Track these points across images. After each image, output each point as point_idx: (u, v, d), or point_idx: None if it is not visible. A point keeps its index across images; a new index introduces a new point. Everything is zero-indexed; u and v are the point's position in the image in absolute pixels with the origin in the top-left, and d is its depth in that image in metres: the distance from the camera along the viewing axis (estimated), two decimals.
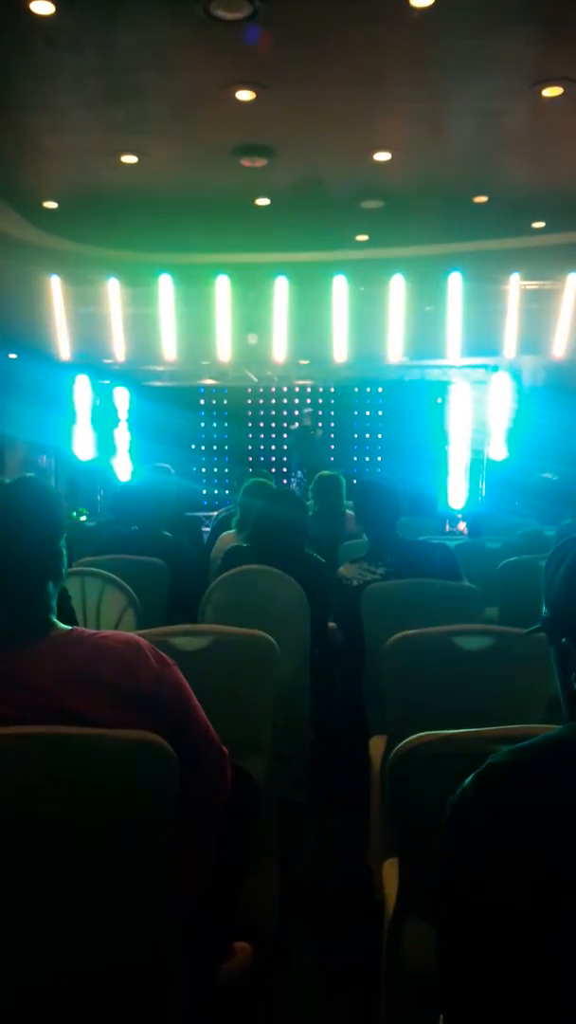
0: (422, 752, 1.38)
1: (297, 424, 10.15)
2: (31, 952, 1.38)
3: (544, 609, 1.12)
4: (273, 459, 10.74)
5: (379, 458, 10.79)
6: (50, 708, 1.39)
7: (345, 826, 2.98)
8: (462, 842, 0.90)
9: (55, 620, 1.52)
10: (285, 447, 10.57)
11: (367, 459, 10.81)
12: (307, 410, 10.40)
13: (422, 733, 1.40)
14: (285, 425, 10.67)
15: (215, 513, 7.05)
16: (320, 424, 10.45)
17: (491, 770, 0.93)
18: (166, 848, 1.39)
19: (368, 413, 10.84)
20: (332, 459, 10.35)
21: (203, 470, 10.82)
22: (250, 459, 10.60)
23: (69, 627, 1.52)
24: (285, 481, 9.74)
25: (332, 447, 10.90)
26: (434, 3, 3.63)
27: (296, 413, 10.61)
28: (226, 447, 10.91)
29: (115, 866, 1.38)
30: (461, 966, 0.91)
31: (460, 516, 8.67)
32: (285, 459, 10.52)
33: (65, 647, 1.47)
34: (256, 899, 2.16)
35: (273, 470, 9.82)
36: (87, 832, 1.35)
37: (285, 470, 10.34)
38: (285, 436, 10.55)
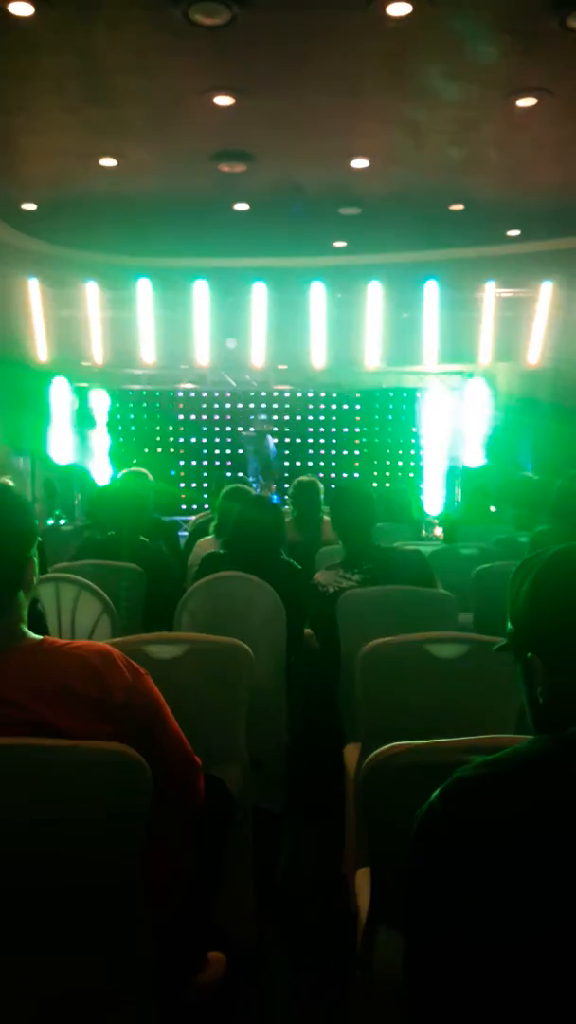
0: (393, 763, 1.38)
1: (253, 430, 10.13)
2: (1, 966, 1.36)
3: (509, 624, 1.12)
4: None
5: (355, 463, 10.82)
6: (20, 719, 1.37)
7: (321, 834, 2.97)
8: (429, 855, 0.91)
9: (26, 630, 1.50)
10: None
11: (344, 464, 10.84)
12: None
13: (393, 744, 1.40)
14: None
15: (194, 518, 7.03)
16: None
17: (457, 785, 0.93)
18: (139, 859, 1.38)
19: (345, 418, 10.86)
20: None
21: (181, 474, 10.78)
22: (228, 463, 10.58)
23: (40, 637, 1.51)
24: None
25: (310, 452, 10.91)
26: (411, 12, 3.65)
27: (273, 417, 10.58)
28: (204, 451, 10.89)
29: (87, 878, 1.37)
30: (427, 977, 0.91)
31: (435, 522, 8.72)
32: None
33: (35, 657, 1.45)
34: (231, 908, 2.15)
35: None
36: (58, 844, 1.34)
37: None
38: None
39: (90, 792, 1.33)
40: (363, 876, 1.78)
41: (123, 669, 1.48)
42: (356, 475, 10.55)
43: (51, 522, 7.70)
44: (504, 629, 1.20)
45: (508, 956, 0.84)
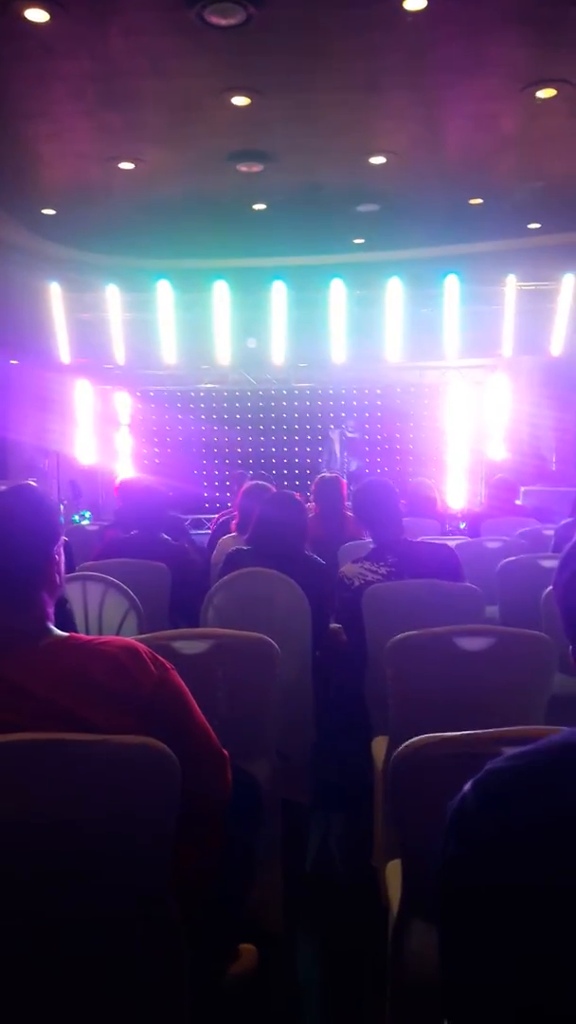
0: (423, 754, 1.38)
1: (338, 433, 10.15)
2: (34, 958, 1.38)
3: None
4: (274, 461, 10.74)
5: (379, 459, 10.79)
6: (47, 714, 1.38)
7: (349, 826, 2.98)
8: (462, 848, 0.89)
9: (51, 627, 1.51)
10: (283, 449, 10.55)
11: (367, 460, 10.81)
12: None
13: (423, 736, 1.40)
14: (285, 428, 10.66)
15: (216, 516, 7.05)
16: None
17: (491, 776, 0.91)
18: (169, 853, 1.39)
19: (367, 415, 10.84)
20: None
21: (204, 473, 10.82)
22: (251, 462, 10.60)
23: (66, 633, 1.52)
24: (286, 484, 9.74)
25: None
26: (427, 6, 3.64)
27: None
28: (226, 450, 10.91)
29: (118, 871, 1.38)
30: (463, 971, 0.90)
31: (460, 516, 8.67)
32: (286, 461, 10.52)
33: (62, 653, 1.46)
34: (261, 901, 2.16)
35: (273, 472, 9.83)
36: (89, 838, 1.34)
37: (285, 472, 10.34)
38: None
39: (119, 786, 1.34)
40: (394, 868, 1.78)
41: (149, 664, 1.49)
42: (379, 470, 10.50)
43: (77, 522, 7.76)
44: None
45: (545, 949, 0.83)
